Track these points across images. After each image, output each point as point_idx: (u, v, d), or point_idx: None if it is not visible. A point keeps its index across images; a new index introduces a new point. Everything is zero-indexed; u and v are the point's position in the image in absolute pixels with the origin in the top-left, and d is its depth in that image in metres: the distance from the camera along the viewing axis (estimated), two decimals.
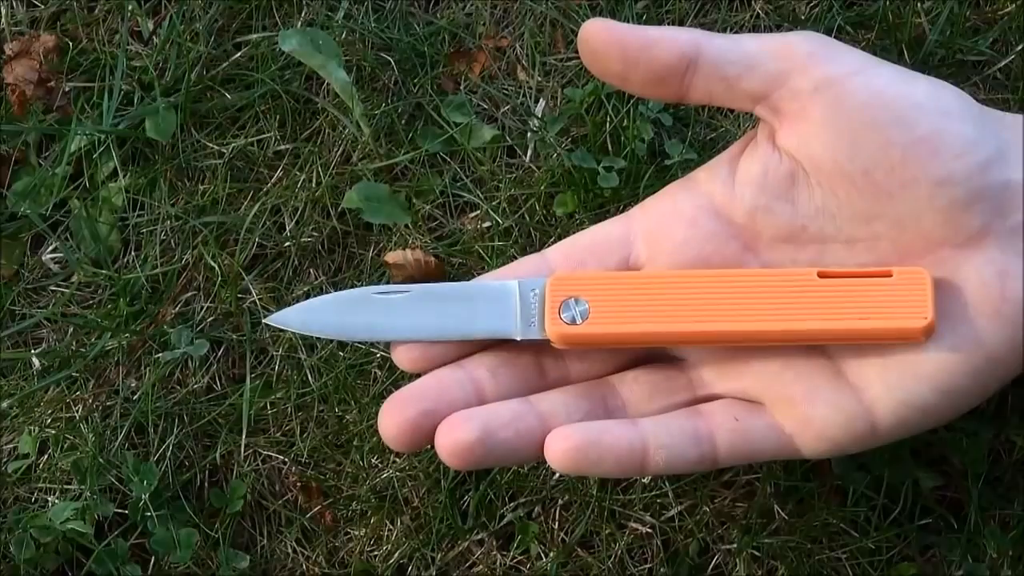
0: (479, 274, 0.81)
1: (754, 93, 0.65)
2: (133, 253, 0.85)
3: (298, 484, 0.80)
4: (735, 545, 0.78)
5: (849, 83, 0.62)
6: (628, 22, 0.84)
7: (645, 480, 0.79)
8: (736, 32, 0.86)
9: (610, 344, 0.66)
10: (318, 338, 0.81)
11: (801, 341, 0.65)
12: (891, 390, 0.63)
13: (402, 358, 0.68)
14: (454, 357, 0.68)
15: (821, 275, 0.64)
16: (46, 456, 0.82)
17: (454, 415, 0.65)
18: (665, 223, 0.68)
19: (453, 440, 0.65)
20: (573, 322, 0.65)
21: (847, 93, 0.62)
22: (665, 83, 0.65)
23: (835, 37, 0.84)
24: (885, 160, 0.62)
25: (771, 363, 0.66)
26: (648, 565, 0.79)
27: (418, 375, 0.68)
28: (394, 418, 0.66)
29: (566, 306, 0.65)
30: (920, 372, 0.63)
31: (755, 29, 0.86)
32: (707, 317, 0.64)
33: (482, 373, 0.67)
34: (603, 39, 0.65)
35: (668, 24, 0.85)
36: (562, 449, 0.64)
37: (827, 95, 0.63)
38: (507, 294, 0.67)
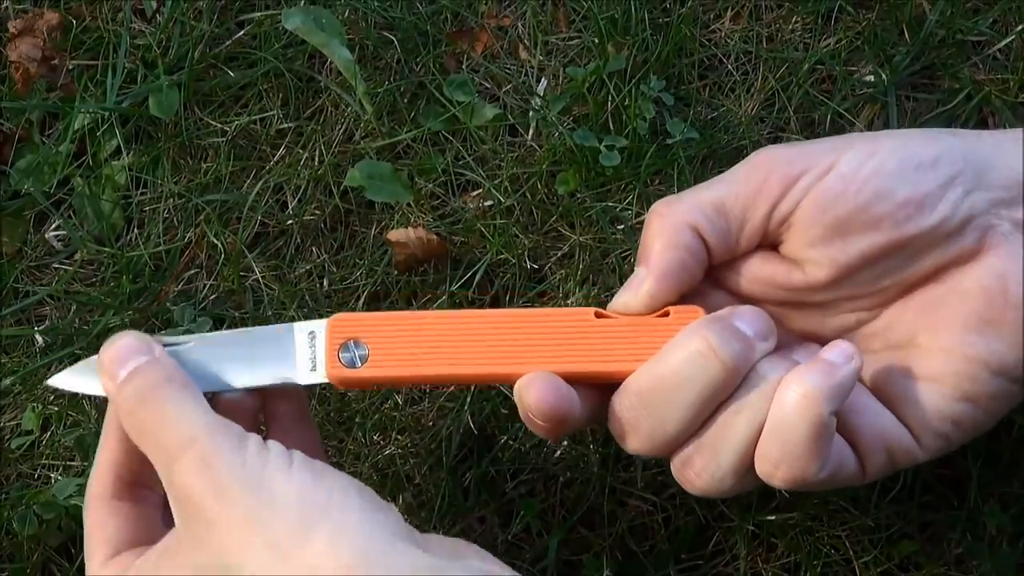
0: (480, 252, 0.80)
1: (754, 243, 0.64)
2: (136, 231, 0.83)
3: None
4: (735, 522, 0.77)
5: (821, 184, 0.62)
6: None
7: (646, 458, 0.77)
8: (734, 12, 0.84)
9: (390, 386, 0.65)
10: (319, 316, 0.79)
11: (580, 382, 0.62)
12: (925, 408, 0.62)
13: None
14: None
15: (598, 315, 0.63)
16: (49, 433, 0.80)
17: None
18: None
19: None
20: (352, 365, 0.63)
21: (823, 192, 0.62)
22: (704, 267, 0.64)
23: (836, 17, 0.83)
24: (878, 234, 0.61)
25: None
26: (649, 542, 0.77)
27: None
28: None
29: (345, 348, 0.63)
30: (947, 389, 0.62)
31: (756, 10, 0.84)
32: (485, 360, 0.62)
33: None
34: (642, 308, 0.63)
35: None
36: None
37: (806, 202, 0.62)
38: (287, 338, 0.64)
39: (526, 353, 0.62)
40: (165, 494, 0.60)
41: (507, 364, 0.62)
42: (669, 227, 0.63)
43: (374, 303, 0.80)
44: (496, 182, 0.81)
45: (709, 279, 0.65)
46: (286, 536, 0.55)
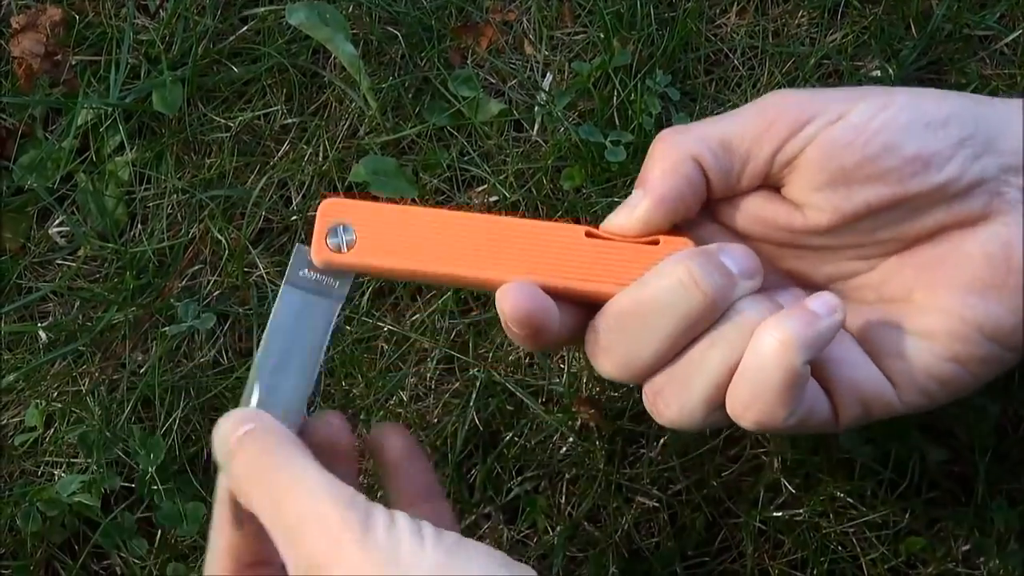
0: None
1: (755, 183, 0.63)
2: (140, 227, 0.82)
3: None
4: (742, 519, 0.76)
5: (829, 131, 0.61)
6: None
7: (652, 454, 0.77)
8: (740, 7, 0.84)
9: (374, 275, 0.63)
10: None
11: (562, 297, 0.61)
12: (911, 363, 0.61)
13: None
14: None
15: (588, 235, 0.62)
16: (52, 429, 0.79)
17: None
18: None
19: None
20: (339, 250, 0.62)
21: (830, 140, 0.61)
22: (700, 200, 0.63)
23: (842, 12, 0.83)
24: (883, 186, 0.61)
25: None
26: (655, 539, 0.77)
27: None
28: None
29: (333, 232, 0.62)
30: (937, 348, 0.61)
31: (762, 4, 0.84)
32: (470, 262, 0.62)
33: None
34: (637, 230, 0.63)
35: None
36: None
37: (812, 148, 0.61)
38: (298, 296, 0.63)
39: (511, 261, 0.62)
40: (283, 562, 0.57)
41: (491, 269, 0.62)
42: (672, 154, 0.63)
43: (379, 298, 0.79)
44: (501, 177, 0.81)
45: (707, 213, 0.65)
46: None
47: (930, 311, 0.62)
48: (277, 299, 0.63)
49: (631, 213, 0.62)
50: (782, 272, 0.65)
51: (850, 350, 0.62)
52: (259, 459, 0.58)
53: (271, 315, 0.63)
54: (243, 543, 0.60)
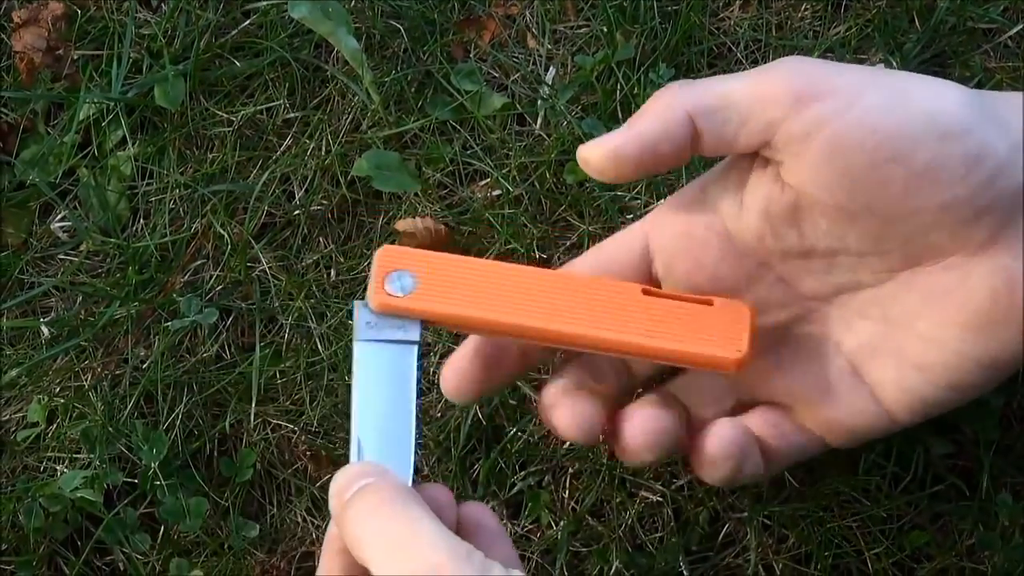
0: (488, 242, 0.79)
1: (753, 145, 0.62)
2: (142, 221, 0.82)
3: (308, 453, 0.78)
4: (746, 514, 0.76)
5: (840, 122, 0.59)
6: None
7: None
8: (743, 0, 0.84)
9: (432, 322, 0.64)
10: (327, 307, 0.79)
11: (615, 353, 0.63)
12: (905, 391, 0.63)
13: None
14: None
15: (645, 292, 0.63)
16: (55, 425, 0.79)
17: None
18: (680, 245, 0.65)
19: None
20: (397, 294, 0.63)
21: (839, 134, 0.59)
22: (680, 158, 0.63)
23: (846, 5, 0.82)
24: (886, 195, 0.59)
25: (792, 369, 0.65)
26: (659, 534, 0.76)
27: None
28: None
29: (390, 279, 0.63)
30: (933, 377, 0.62)
31: None
32: (529, 313, 0.63)
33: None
34: (604, 160, 0.62)
35: None
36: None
37: (820, 138, 0.59)
38: (367, 349, 0.63)
39: (568, 315, 0.63)
40: None
41: (547, 321, 0.63)
42: (663, 103, 0.62)
43: None
44: (504, 171, 0.81)
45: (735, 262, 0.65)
46: None
47: (928, 342, 0.61)
48: (353, 359, 0.63)
49: (602, 141, 0.62)
50: (790, 287, 0.65)
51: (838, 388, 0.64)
52: (375, 512, 0.57)
53: (353, 376, 0.63)
54: None
